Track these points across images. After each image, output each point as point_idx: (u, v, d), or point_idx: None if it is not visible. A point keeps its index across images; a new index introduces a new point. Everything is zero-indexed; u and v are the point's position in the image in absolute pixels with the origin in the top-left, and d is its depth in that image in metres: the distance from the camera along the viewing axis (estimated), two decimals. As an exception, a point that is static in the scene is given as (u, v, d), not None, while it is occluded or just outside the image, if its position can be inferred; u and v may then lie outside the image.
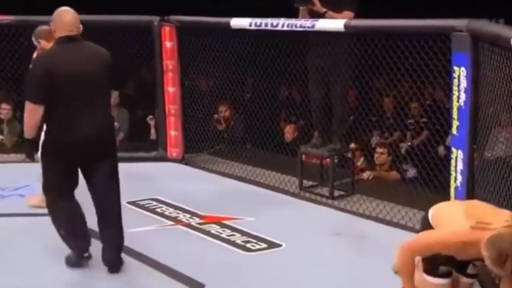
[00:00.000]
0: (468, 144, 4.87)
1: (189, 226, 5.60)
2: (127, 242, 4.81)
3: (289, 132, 8.15)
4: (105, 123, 4.65)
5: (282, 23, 6.12)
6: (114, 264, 4.71)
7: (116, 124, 7.91)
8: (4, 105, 8.46)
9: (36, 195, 5.93)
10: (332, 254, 5.03)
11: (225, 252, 5.10)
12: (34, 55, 5.55)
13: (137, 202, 6.10)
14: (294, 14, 6.17)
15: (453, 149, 5.01)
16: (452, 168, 5.01)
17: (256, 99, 7.39)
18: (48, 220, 4.76)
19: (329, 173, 6.22)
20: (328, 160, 6.27)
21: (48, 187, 4.72)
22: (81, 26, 4.61)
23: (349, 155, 6.46)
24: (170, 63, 7.35)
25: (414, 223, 5.26)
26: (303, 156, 6.47)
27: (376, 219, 5.67)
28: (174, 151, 7.50)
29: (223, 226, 5.56)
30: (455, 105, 4.92)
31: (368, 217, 5.73)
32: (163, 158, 7.51)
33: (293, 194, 6.35)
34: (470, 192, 4.86)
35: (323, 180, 6.37)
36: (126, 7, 9.50)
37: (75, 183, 4.69)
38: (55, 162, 4.58)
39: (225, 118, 8.44)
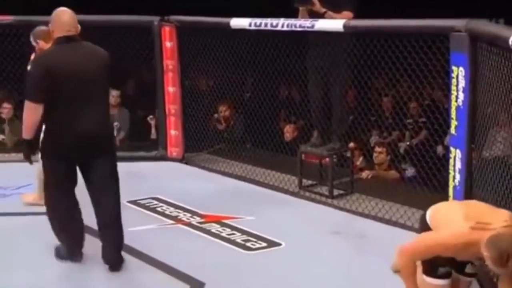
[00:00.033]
0: (466, 144, 4.88)
1: (189, 225, 5.62)
2: (127, 241, 4.83)
3: (288, 131, 8.17)
4: (103, 121, 4.66)
5: (281, 23, 6.13)
6: (114, 263, 4.72)
7: (117, 123, 7.96)
8: (5, 105, 8.47)
9: (31, 193, 5.96)
10: (332, 253, 5.04)
11: (225, 251, 5.12)
12: (32, 56, 5.54)
13: (138, 201, 6.11)
14: (293, 14, 6.17)
15: (452, 149, 5.02)
16: (451, 167, 5.02)
17: (256, 98, 7.40)
18: (48, 219, 4.80)
19: (328, 172, 6.22)
20: (327, 159, 6.27)
21: (47, 185, 4.73)
22: (79, 26, 4.62)
23: (348, 154, 6.47)
24: (170, 63, 7.36)
25: (413, 222, 5.27)
26: (303, 156, 6.47)
27: (375, 218, 5.68)
28: (174, 150, 7.51)
29: (223, 225, 5.57)
30: (453, 105, 4.93)
31: (367, 216, 5.75)
32: (164, 158, 7.52)
33: (292, 193, 6.36)
34: (468, 191, 4.87)
35: (322, 179, 6.39)
36: (126, 7, 9.51)
37: (74, 182, 4.70)
38: (55, 161, 4.60)
39: (225, 118, 8.45)
